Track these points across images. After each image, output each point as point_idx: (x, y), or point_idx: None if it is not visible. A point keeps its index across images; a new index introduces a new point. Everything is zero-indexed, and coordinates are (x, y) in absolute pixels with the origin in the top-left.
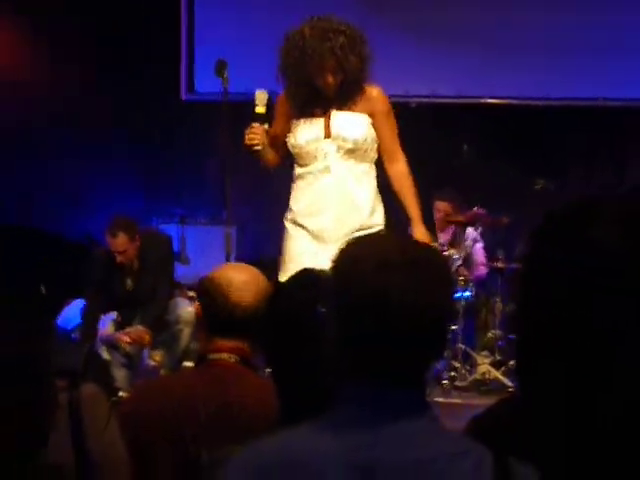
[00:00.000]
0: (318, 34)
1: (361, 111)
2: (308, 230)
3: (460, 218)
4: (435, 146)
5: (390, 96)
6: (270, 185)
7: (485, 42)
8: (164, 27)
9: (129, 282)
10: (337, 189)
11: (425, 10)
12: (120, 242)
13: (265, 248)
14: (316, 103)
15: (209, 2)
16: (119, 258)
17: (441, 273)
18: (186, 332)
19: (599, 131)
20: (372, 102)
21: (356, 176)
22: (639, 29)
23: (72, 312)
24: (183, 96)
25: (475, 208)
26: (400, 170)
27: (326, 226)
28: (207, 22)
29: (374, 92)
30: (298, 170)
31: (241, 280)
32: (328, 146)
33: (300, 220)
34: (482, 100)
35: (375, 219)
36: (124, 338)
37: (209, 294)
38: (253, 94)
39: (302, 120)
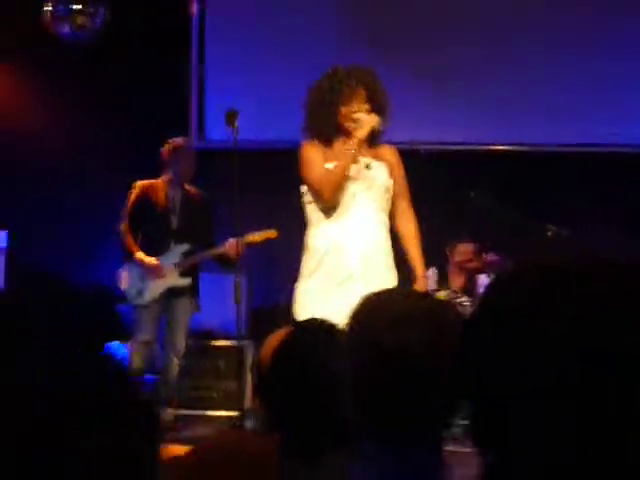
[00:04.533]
0: (346, 70)
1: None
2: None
3: (475, 265)
4: (447, 192)
5: (398, 143)
6: (282, 233)
7: (496, 87)
8: (175, 75)
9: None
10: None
11: (433, 57)
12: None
13: (276, 297)
14: (342, 147)
15: (221, 51)
16: (190, 172)
17: (454, 328)
18: (175, 363)
19: (614, 176)
20: (391, 156)
21: (380, 222)
22: None
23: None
24: (194, 143)
25: (488, 254)
26: (411, 226)
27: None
28: (217, 70)
29: (392, 148)
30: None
31: None
32: (357, 187)
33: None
34: (493, 147)
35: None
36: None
37: None
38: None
39: (332, 163)
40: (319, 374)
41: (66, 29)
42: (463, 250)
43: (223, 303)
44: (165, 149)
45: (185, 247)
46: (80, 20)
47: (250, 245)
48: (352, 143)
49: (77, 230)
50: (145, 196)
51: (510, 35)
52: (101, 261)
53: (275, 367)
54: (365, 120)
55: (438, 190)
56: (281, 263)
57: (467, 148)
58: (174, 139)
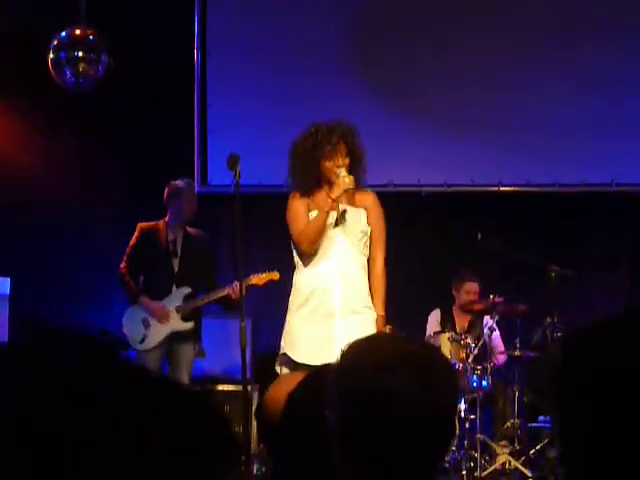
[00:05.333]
0: (328, 127)
1: (359, 207)
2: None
3: (478, 306)
4: (449, 234)
5: (402, 185)
6: (284, 276)
7: (496, 130)
8: (178, 122)
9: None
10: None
11: (436, 98)
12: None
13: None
14: (323, 197)
15: (222, 96)
16: (191, 212)
17: (442, 373)
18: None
19: (616, 217)
20: (369, 202)
21: (358, 264)
22: None
23: None
24: (197, 189)
25: (491, 296)
26: (379, 273)
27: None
28: (220, 116)
29: (371, 194)
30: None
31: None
32: (336, 233)
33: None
34: (495, 188)
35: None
36: None
37: None
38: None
39: (314, 212)
40: (315, 431)
41: (69, 77)
42: (469, 289)
43: (227, 348)
44: (167, 190)
45: (187, 290)
46: (83, 68)
47: (252, 287)
48: (328, 202)
49: (80, 275)
50: (146, 239)
51: (514, 78)
52: (105, 306)
53: (290, 414)
54: (340, 183)
55: (443, 232)
56: (285, 306)
57: (469, 190)
58: (176, 181)
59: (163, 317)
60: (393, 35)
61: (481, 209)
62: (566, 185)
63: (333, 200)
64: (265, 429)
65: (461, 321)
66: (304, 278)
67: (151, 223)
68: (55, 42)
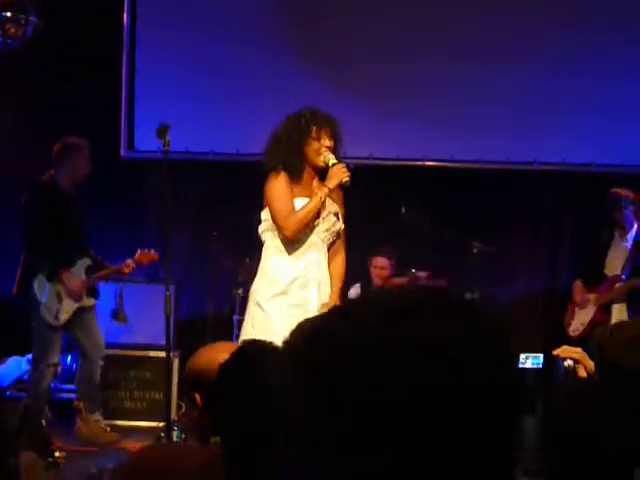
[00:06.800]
0: (311, 109)
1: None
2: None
3: (400, 281)
4: (373, 208)
5: None
6: (208, 245)
7: (424, 104)
8: (105, 86)
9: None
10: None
11: (363, 71)
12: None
13: (203, 308)
14: (309, 186)
15: (151, 62)
16: (86, 172)
17: (368, 357)
18: (100, 367)
19: (538, 195)
20: (338, 196)
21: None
22: (574, 92)
23: (6, 370)
24: (123, 153)
25: (414, 270)
26: (341, 262)
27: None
28: (148, 81)
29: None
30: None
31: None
32: (319, 228)
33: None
34: (421, 162)
35: None
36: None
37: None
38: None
39: (299, 199)
40: (268, 388)
41: None
42: (376, 263)
43: (150, 314)
44: (61, 146)
45: (88, 262)
46: (10, 28)
47: (138, 264)
48: (322, 192)
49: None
50: (51, 204)
51: (444, 52)
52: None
53: (222, 384)
54: (335, 172)
55: (367, 206)
56: (207, 274)
57: (395, 164)
58: (70, 138)
59: (80, 296)
60: (328, 5)
61: (405, 183)
62: (490, 162)
63: (330, 190)
64: (196, 382)
65: None
66: (281, 269)
67: (45, 183)
68: None
